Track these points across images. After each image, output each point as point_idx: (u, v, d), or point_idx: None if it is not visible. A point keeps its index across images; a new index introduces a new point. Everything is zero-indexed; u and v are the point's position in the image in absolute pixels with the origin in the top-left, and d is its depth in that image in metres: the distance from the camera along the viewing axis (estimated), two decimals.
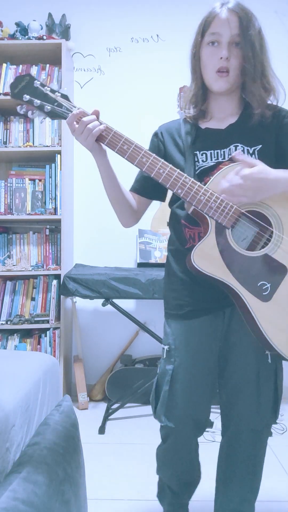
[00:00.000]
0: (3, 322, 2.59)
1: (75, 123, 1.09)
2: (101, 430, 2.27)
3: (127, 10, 2.95)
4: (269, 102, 1.19)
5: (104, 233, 2.83)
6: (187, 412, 1.23)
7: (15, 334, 2.62)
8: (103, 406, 2.62)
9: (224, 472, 1.30)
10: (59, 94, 1.11)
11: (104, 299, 2.39)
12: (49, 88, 1.10)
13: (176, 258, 1.26)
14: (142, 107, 2.90)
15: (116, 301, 2.44)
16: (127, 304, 2.69)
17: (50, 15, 2.83)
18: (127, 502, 1.65)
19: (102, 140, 1.11)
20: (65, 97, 1.11)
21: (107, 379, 2.67)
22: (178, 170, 1.10)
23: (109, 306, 2.43)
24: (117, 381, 2.64)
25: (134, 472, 1.83)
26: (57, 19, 2.84)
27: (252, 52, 1.12)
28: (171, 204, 1.29)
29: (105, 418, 2.37)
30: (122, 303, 2.48)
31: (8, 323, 2.57)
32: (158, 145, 1.27)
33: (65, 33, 2.82)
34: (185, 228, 1.21)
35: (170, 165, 1.10)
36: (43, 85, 1.10)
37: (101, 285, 2.34)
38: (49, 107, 1.10)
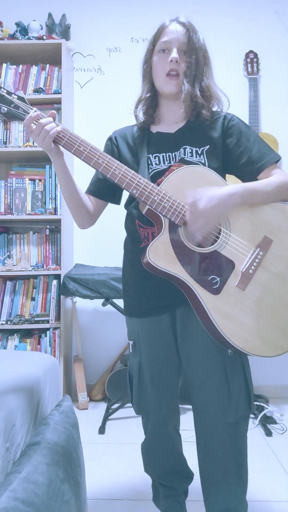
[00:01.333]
0: (3, 322, 2.59)
1: (32, 124, 1.14)
2: (101, 430, 2.27)
3: (127, 10, 2.96)
4: (215, 109, 1.30)
5: (104, 233, 2.82)
6: (157, 399, 1.33)
7: (15, 334, 2.62)
8: (103, 406, 2.62)
9: (207, 471, 1.30)
10: (16, 96, 1.16)
11: (104, 299, 2.40)
12: (5, 90, 1.15)
13: (131, 259, 1.34)
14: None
15: (116, 301, 2.44)
16: None
17: (50, 15, 2.83)
18: (127, 502, 1.65)
19: (59, 141, 1.16)
20: (21, 99, 1.17)
21: (107, 379, 2.67)
22: (133, 171, 1.16)
23: (109, 306, 2.43)
24: (117, 381, 2.64)
25: (134, 472, 1.83)
26: (57, 19, 2.84)
27: (195, 59, 1.23)
28: (126, 205, 1.36)
29: (105, 418, 2.37)
30: (122, 303, 2.48)
31: (8, 323, 2.57)
32: (112, 149, 1.35)
33: (65, 33, 2.82)
34: (140, 228, 1.28)
35: (125, 167, 1.17)
36: None
37: (101, 285, 2.35)
38: (5, 108, 1.15)
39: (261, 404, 2.46)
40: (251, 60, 2.86)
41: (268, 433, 2.22)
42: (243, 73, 2.92)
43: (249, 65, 2.86)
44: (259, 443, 2.13)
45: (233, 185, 1.16)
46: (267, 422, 2.33)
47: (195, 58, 1.23)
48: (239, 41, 2.91)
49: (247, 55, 2.88)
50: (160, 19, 1.30)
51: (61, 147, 1.19)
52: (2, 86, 1.15)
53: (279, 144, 2.76)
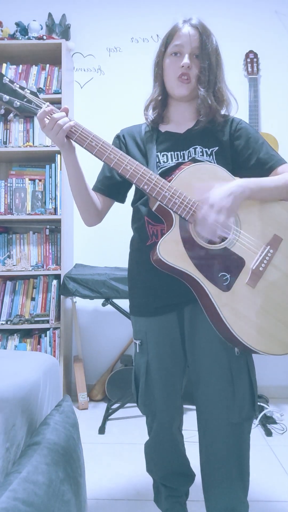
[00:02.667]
0: (3, 322, 2.59)
1: (45, 119, 1.14)
2: (101, 430, 2.27)
3: (127, 10, 2.95)
4: (223, 113, 1.30)
5: (104, 233, 2.82)
6: (163, 399, 1.32)
7: (15, 334, 2.62)
8: (103, 406, 2.62)
9: (209, 471, 1.29)
10: (28, 91, 1.16)
11: (104, 299, 2.40)
12: (18, 85, 1.15)
13: (138, 257, 1.33)
14: (142, 107, 2.90)
15: (116, 301, 2.44)
16: (127, 304, 2.69)
17: (50, 15, 2.83)
18: (127, 502, 1.65)
19: (72, 136, 1.16)
20: (34, 94, 1.16)
21: (107, 379, 2.67)
22: (144, 167, 1.17)
23: (109, 306, 2.43)
24: (117, 381, 2.64)
25: (134, 472, 1.83)
26: (57, 19, 2.84)
27: (209, 64, 1.23)
28: (133, 203, 1.36)
29: (105, 418, 2.37)
30: (122, 303, 2.48)
31: (8, 323, 2.57)
32: (120, 147, 1.34)
33: (65, 33, 2.82)
34: (149, 224, 1.27)
35: (137, 162, 1.17)
36: (12, 81, 1.15)
37: (101, 285, 2.35)
38: (18, 103, 1.14)
39: (261, 404, 2.46)
40: (251, 60, 2.86)
41: (268, 433, 2.22)
42: (243, 73, 2.92)
43: (249, 65, 2.86)
44: (259, 443, 2.13)
45: (241, 179, 1.17)
46: (267, 422, 2.33)
47: (208, 63, 1.23)
48: (239, 41, 2.91)
49: (247, 55, 2.88)
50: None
51: (73, 142, 1.19)
52: (14, 81, 1.15)
53: (279, 144, 2.76)
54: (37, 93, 1.17)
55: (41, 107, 1.14)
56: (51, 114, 1.13)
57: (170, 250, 1.13)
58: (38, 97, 1.16)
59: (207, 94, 1.24)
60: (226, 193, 1.12)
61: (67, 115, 1.16)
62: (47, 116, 1.13)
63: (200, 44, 1.22)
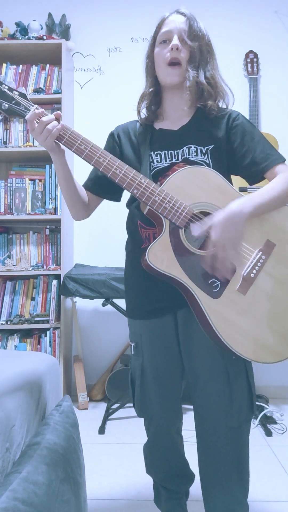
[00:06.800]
0: (3, 322, 2.59)
1: (35, 122, 1.12)
2: (101, 430, 2.27)
3: (127, 10, 2.96)
4: (221, 105, 1.26)
5: (104, 233, 2.83)
6: (160, 402, 1.31)
7: (15, 334, 2.62)
8: (103, 406, 2.62)
9: (208, 473, 1.28)
10: (17, 92, 1.14)
11: (104, 299, 2.40)
12: (6, 86, 1.13)
13: (132, 260, 1.32)
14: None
15: (116, 301, 2.44)
16: None
17: (50, 15, 2.83)
18: (127, 502, 1.65)
19: (60, 140, 1.14)
20: (22, 95, 1.14)
21: (107, 379, 2.67)
22: (134, 171, 1.14)
23: (109, 306, 2.43)
24: (117, 381, 2.64)
25: (134, 472, 1.83)
26: (57, 19, 2.84)
27: (198, 46, 1.20)
28: (128, 204, 1.33)
29: (105, 418, 2.37)
30: (122, 303, 2.48)
31: (8, 323, 2.57)
32: (114, 146, 1.32)
33: (65, 33, 2.82)
34: (141, 228, 1.25)
35: (127, 166, 1.14)
36: (0, 83, 1.12)
37: (101, 285, 2.35)
38: (6, 105, 1.13)
39: (261, 404, 2.46)
40: (251, 60, 2.86)
41: (268, 433, 2.22)
42: (243, 73, 2.92)
43: (249, 65, 2.86)
44: (259, 443, 2.13)
45: (239, 201, 1.10)
46: (267, 422, 2.33)
47: (198, 45, 1.19)
48: (239, 41, 2.91)
49: (247, 55, 2.88)
50: (158, 19, 1.29)
51: (61, 145, 1.17)
52: (3, 82, 1.13)
53: (279, 144, 2.75)
54: (26, 95, 1.15)
55: (29, 110, 1.12)
56: (40, 117, 1.11)
57: (160, 256, 1.11)
58: (27, 100, 1.14)
59: (197, 76, 1.19)
60: (226, 225, 1.06)
61: (58, 121, 1.13)
62: (36, 119, 1.11)
63: (188, 28, 1.20)
